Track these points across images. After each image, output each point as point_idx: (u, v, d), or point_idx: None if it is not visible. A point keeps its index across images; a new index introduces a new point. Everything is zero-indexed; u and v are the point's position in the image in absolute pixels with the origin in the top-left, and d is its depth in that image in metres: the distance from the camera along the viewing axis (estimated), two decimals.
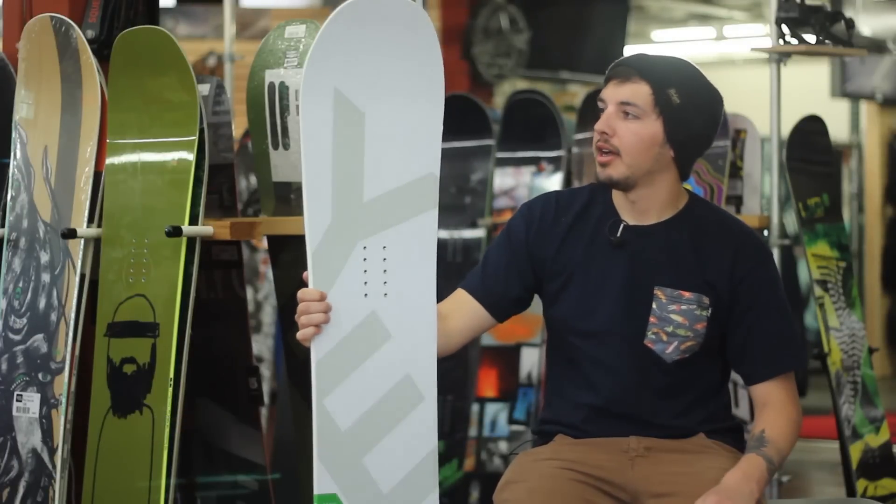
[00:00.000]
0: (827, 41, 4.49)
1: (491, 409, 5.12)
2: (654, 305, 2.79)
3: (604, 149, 2.78)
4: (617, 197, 2.86)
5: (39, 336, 3.47)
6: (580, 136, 5.04)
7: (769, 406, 2.82)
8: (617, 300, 2.81)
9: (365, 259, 2.70)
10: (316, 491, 2.65)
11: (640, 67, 2.78)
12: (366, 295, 2.70)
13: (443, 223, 5.27)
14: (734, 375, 3.43)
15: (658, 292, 2.80)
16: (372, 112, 2.70)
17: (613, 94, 2.78)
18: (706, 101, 2.81)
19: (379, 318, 2.70)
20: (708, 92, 2.82)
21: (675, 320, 2.79)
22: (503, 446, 5.05)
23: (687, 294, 2.79)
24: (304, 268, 3.53)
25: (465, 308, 2.89)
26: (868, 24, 9.66)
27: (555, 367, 2.93)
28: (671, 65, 2.81)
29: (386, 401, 2.71)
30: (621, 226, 2.83)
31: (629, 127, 2.77)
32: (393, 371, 2.71)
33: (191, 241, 3.34)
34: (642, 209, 2.83)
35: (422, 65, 2.73)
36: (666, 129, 2.77)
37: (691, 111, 2.78)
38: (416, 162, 2.74)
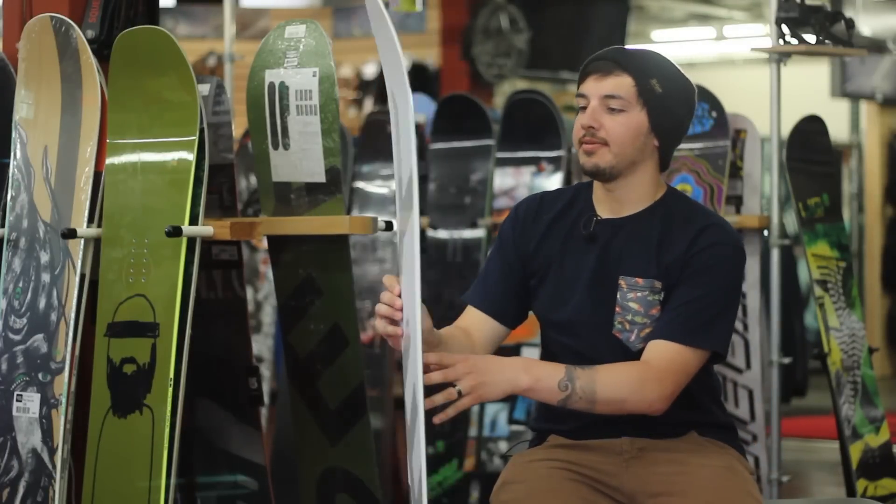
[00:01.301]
0: (827, 41, 4.49)
1: (491, 409, 5.12)
2: (617, 295, 2.80)
3: (590, 141, 2.79)
4: (596, 192, 2.87)
5: (39, 336, 3.47)
6: None
7: (642, 360, 2.72)
8: (586, 292, 2.82)
9: None
10: None
11: (620, 60, 2.80)
12: None
13: (443, 223, 5.29)
14: (732, 376, 3.42)
15: (621, 281, 2.81)
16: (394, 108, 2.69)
17: (596, 88, 2.79)
18: (684, 89, 2.84)
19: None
20: (684, 80, 2.86)
21: (633, 308, 2.79)
22: (503, 446, 5.05)
23: (641, 281, 2.79)
24: (305, 268, 3.54)
25: (478, 322, 2.90)
26: (868, 24, 9.66)
27: (544, 358, 2.95)
28: (648, 56, 2.83)
29: None
30: (594, 220, 2.85)
31: (615, 119, 2.78)
32: None
33: (191, 241, 3.34)
34: (619, 200, 2.84)
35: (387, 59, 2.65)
36: (650, 118, 2.80)
37: (673, 99, 2.81)
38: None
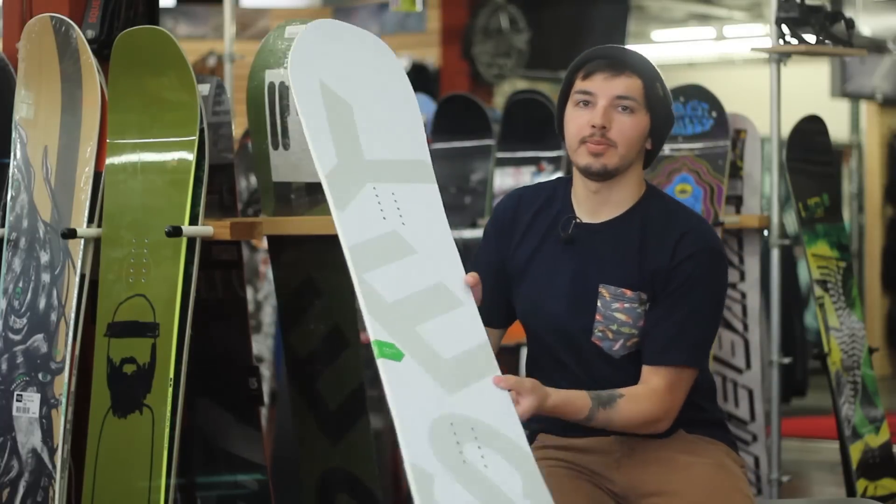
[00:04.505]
0: (827, 41, 4.49)
1: None
2: (598, 303, 2.79)
3: (599, 142, 2.77)
4: (577, 192, 2.86)
5: (39, 336, 3.47)
6: None
7: (644, 387, 2.76)
8: (564, 298, 2.81)
9: (377, 196, 2.71)
10: (372, 338, 2.58)
11: (630, 61, 2.79)
12: (384, 218, 2.70)
13: None
14: (732, 376, 3.37)
15: (602, 290, 2.79)
16: (357, 107, 2.78)
17: (607, 87, 2.77)
18: (670, 94, 2.87)
19: (401, 236, 2.70)
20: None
21: (619, 318, 2.78)
22: None
23: (629, 293, 2.78)
24: (305, 268, 3.54)
25: None
26: (868, 24, 9.67)
27: (528, 360, 2.96)
28: (646, 59, 2.83)
29: (427, 294, 2.67)
30: (572, 223, 2.83)
31: (625, 121, 2.77)
32: (425, 275, 2.68)
33: (191, 241, 3.34)
34: (602, 202, 2.82)
35: (389, 89, 2.87)
36: (652, 122, 2.80)
37: (670, 104, 2.84)
38: (406, 147, 2.82)
